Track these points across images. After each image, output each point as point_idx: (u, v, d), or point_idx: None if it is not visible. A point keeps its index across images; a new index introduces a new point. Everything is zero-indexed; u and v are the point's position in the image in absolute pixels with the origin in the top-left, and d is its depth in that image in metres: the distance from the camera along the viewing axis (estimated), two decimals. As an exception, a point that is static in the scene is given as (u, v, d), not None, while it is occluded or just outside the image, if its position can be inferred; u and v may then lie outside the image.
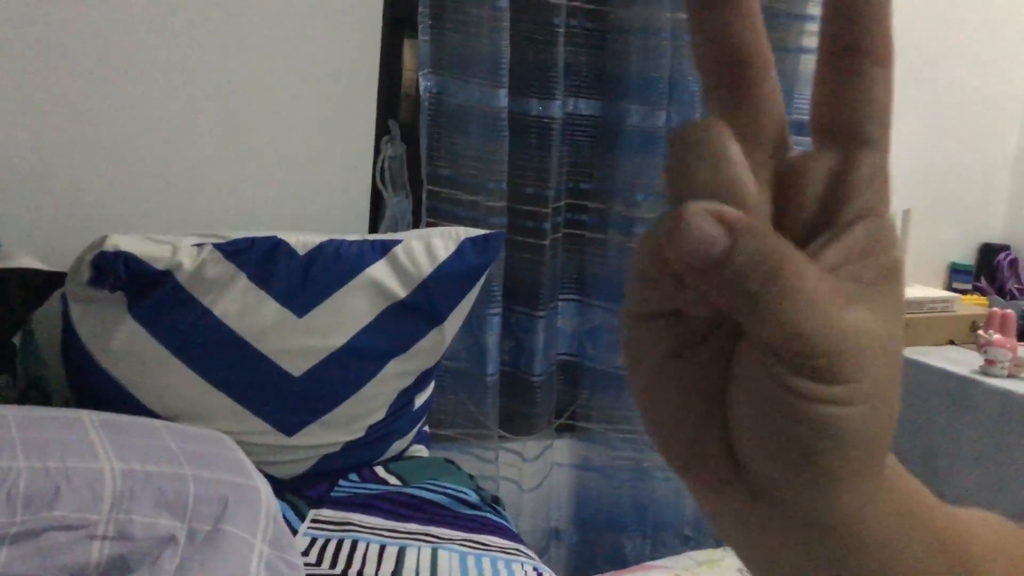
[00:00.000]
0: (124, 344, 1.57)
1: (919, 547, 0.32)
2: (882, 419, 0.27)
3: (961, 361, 2.23)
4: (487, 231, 1.83)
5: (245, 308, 1.61)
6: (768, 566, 0.32)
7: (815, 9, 2.26)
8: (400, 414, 1.80)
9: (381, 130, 2.02)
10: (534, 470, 2.23)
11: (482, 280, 1.82)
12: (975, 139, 2.65)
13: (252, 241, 1.64)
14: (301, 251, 1.67)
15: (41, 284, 1.60)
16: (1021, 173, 2.70)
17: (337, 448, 1.73)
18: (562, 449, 2.30)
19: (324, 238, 1.71)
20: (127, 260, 1.54)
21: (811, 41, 2.27)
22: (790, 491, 0.28)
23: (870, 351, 0.26)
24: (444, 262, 1.76)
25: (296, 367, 1.65)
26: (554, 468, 2.29)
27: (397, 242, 1.75)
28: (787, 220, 0.27)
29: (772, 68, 0.28)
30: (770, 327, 0.25)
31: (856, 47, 0.27)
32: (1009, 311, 2.20)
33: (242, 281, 1.61)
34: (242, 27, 1.84)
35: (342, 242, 1.71)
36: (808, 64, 2.27)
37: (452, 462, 1.89)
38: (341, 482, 1.71)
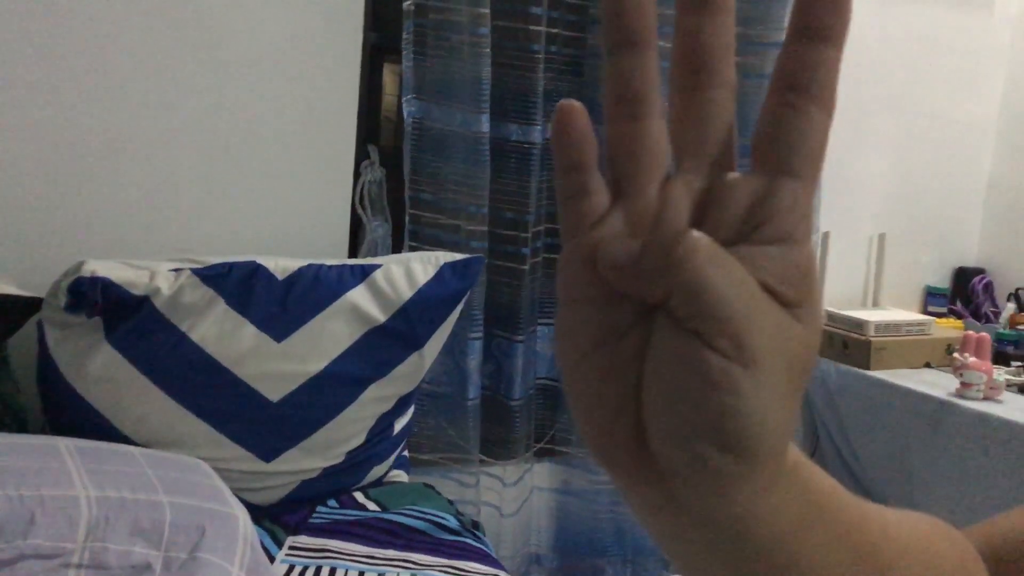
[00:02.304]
0: (101, 370, 1.56)
1: (821, 537, 0.34)
2: (782, 413, 0.29)
3: (937, 384, 2.25)
4: (467, 255, 1.83)
5: (223, 333, 1.60)
6: (679, 556, 0.34)
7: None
8: (379, 439, 1.79)
9: (361, 154, 2.03)
10: (514, 495, 2.23)
11: (462, 304, 1.82)
12: (949, 165, 2.68)
13: (230, 266, 1.64)
14: (280, 276, 1.67)
15: (17, 310, 1.59)
16: (994, 198, 2.73)
17: (315, 474, 1.72)
18: (542, 473, 2.29)
19: (303, 263, 1.71)
20: (104, 286, 1.53)
21: (787, 68, 2.30)
22: (692, 478, 0.30)
23: (777, 344, 0.29)
24: (424, 286, 1.76)
25: (274, 392, 1.64)
26: (534, 492, 2.28)
27: (376, 267, 1.75)
28: (706, 231, 0.29)
29: (728, 86, 0.30)
30: (680, 294, 0.28)
31: (803, 89, 0.29)
32: (984, 334, 2.23)
33: (220, 306, 1.61)
34: (221, 51, 1.85)
35: (321, 267, 1.71)
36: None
37: (432, 487, 1.88)
38: (319, 508, 1.70)
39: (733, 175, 0.30)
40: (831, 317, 2.46)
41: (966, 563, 0.43)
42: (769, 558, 0.33)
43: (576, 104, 0.31)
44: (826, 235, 2.47)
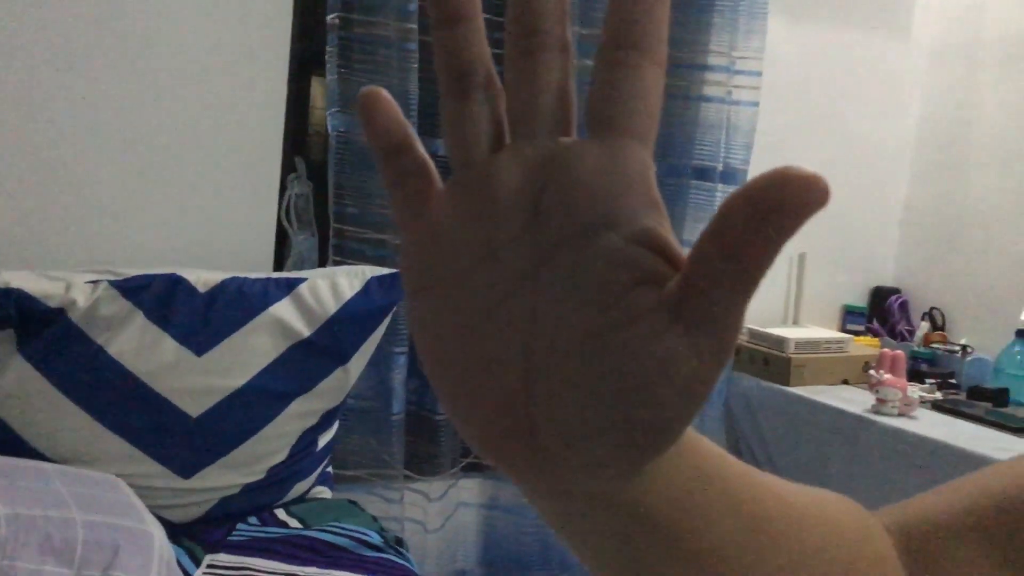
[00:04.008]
0: (13, 384, 1.52)
1: (714, 507, 0.34)
2: (689, 394, 0.28)
3: (854, 400, 2.31)
4: (394, 270, 1.83)
5: (141, 347, 1.57)
6: (571, 537, 0.34)
7: (716, 60, 2.34)
8: (303, 455, 1.77)
9: (288, 168, 2.01)
10: (439, 510, 2.22)
11: (388, 319, 1.82)
12: (867, 187, 2.76)
13: (150, 279, 1.61)
14: (202, 289, 1.64)
15: (-76, 321, 1.54)
16: (910, 220, 2.82)
17: (236, 490, 1.69)
18: (469, 488, 2.29)
19: (227, 276, 1.69)
20: (18, 297, 1.49)
21: (711, 90, 2.35)
22: (591, 470, 0.29)
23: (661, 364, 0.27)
24: (350, 301, 1.75)
25: (194, 407, 1.62)
26: (460, 508, 2.28)
27: (302, 280, 1.74)
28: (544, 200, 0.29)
29: (562, 50, 0.29)
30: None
31: (634, 45, 0.28)
32: (899, 352, 2.29)
33: (139, 319, 1.58)
34: (145, 60, 1.82)
35: (245, 280, 1.69)
36: (709, 112, 2.35)
37: (355, 503, 1.86)
38: (239, 526, 1.67)
39: (569, 140, 0.29)
40: (752, 334, 2.51)
41: (871, 535, 0.43)
42: (662, 532, 0.33)
43: (379, 89, 0.31)
44: (749, 254, 2.52)
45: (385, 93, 0.31)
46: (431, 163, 0.32)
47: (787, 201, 0.25)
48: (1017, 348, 2.40)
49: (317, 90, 2.17)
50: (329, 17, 1.91)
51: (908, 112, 2.79)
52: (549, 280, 0.28)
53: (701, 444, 0.34)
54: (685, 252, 0.28)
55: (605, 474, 0.29)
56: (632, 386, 0.28)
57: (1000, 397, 2.31)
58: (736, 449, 2.52)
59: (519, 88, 0.29)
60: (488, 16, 0.32)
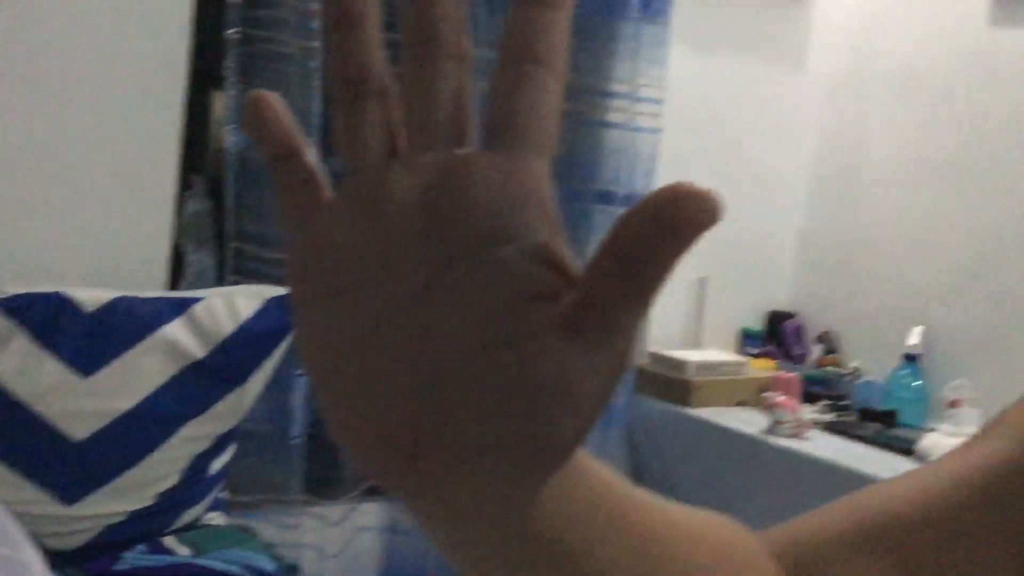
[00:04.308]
0: None
1: (603, 529, 0.34)
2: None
3: (751, 422, 2.36)
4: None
5: (23, 368, 1.51)
6: (459, 560, 0.33)
7: (619, 87, 2.38)
8: (194, 480, 1.72)
9: (186, 185, 1.96)
10: (338, 535, 2.18)
11: (288, 340, 1.79)
12: (765, 213, 2.84)
13: (34, 297, 1.55)
14: (89, 308, 1.59)
15: None
16: (805, 245, 2.91)
17: (123, 517, 1.63)
18: (369, 513, 2.26)
19: (116, 295, 1.63)
20: None
21: (615, 116, 2.39)
22: (481, 492, 0.29)
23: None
24: (247, 321, 1.72)
25: (79, 431, 1.56)
26: (360, 532, 2.24)
27: (197, 300, 1.70)
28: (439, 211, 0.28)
29: (459, 58, 0.29)
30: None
31: (534, 56, 0.28)
32: (793, 375, 2.36)
33: (21, 339, 1.52)
34: (35, 73, 1.76)
35: (135, 299, 1.64)
36: (612, 138, 2.38)
37: (249, 530, 1.82)
38: (126, 554, 1.61)
39: (465, 150, 0.29)
40: (654, 357, 2.54)
41: (756, 558, 0.43)
42: (552, 553, 0.32)
43: (267, 93, 0.30)
44: (651, 277, 2.56)
45: (274, 97, 0.30)
46: (321, 171, 0.30)
47: (681, 217, 0.25)
48: (905, 371, 2.49)
49: (220, 105, 2.13)
50: (229, 32, 1.88)
51: (804, 141, 2.88)
52: (443, 293, 0.28)
53: (592, 465, 0.34)
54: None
55: (496, 494, 0.29)
56: (526, 403, 0.27)
57: (889, 419, 2.39)
58: (638, 471, 2.55)
59: (415, 96, 0.29)
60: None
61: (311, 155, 0.30)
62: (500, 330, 0.27)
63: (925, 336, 2.48)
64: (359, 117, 0.29)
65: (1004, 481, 0.42)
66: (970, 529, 0.43)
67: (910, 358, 2.48)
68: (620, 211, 2.29)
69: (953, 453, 0.47)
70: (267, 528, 1.99)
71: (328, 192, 0.30)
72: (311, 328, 0.30)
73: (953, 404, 2.36)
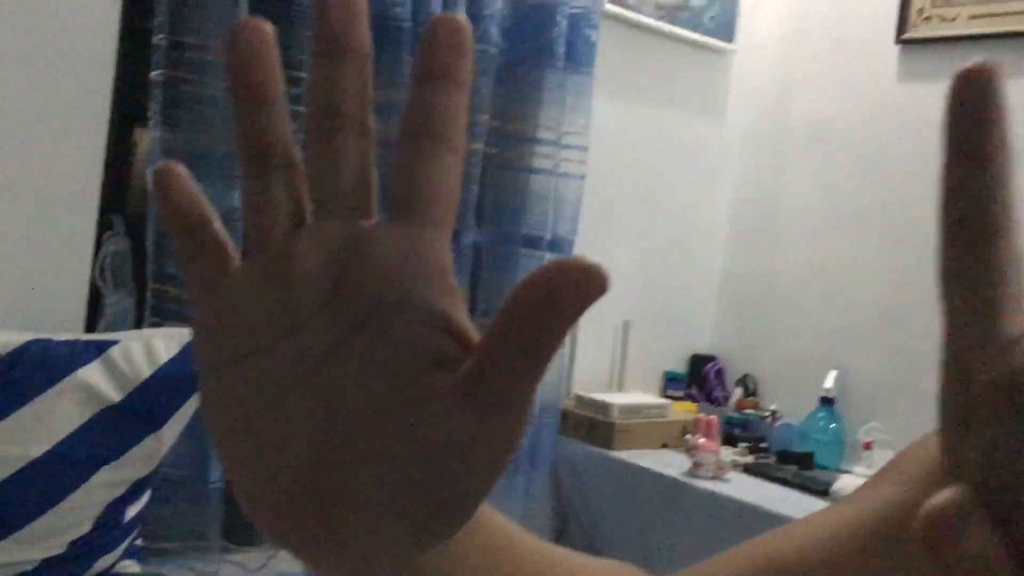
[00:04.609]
0: None
1: None
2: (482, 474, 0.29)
3: (673, 464, 2.39)
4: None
5: (-71, 413, 1.47)
6: None
7: (545, 134, 2.42)
8: (108, 527, 1.68)
9: (105, 224, 1.93)
10: (258, 582, 2.14)
11: (207, 384, 1.76)
12: (687, 259, 2.90)
13: (-57, 339, 1.51)
14: (1, 352, 1.55)
15: None
16: (725, 290, 2.98)
17: (33, 566, 1.58)
18: (290, 558, 2.22)
19: (29, 337, 1.60)
20: None
21: (540, 162, 2.43)
22: (386, 549, 0.29)
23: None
24: (166, 364, 1.69)
25: (-12, 478, 1.51)
26: (280, 579, 2.20)
27: (114, 343, 1.67)
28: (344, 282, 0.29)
29: (364, 134, 0.30)
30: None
31: (434, 133, 0.29)
32: (713, 417, 2.40)
33: (-73, 383, 1.47)
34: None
35: (49, 342, 1.60)
36: (538, 183, 2.42)
37: (165, 577, 1.78)
38: (34, 604, 1.56)
39: (369, 223, 0.30)
40: (579, 400, 2.57)
41: None
42: None
43: (174, 164, 0.31)
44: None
45: (180, 168, 0.31)
46: (228, 240, 0.31)
47: (570, 291, 0.26)
48: (821, 414, 2.56)
49: (144, 141, 2.11)
50: (153, 74, 1.87)
51: (723, 189, 2.96)
52: (346, 360, 0.29)
53: (494, 520, 0.36)
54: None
55: (396, 553, 0.30)
56: (425, 466, 0.28)
57: (806, 460, 2.44)
58: (562, 512, 2.56)
59: (320, 168, 0.30)
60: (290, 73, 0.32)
61: (218, 225, 0.31)
62: (400, 396, 0.28)
63: (839, 380, 2.55)
64: (266, 189, 0.30)
65: (898, 525, 0.44)
66: (866, 573, 0.44)
67: (826, 401, 2.55)
68: (545, 255, 2.32)
69: (851, 497, 0.49)
70: (184, 575, 1.94)
71: (235, 260, 0.31)
72: (217, 394, 0.30)
73: (867, 446, 2.43)
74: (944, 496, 0.23)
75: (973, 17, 2.49)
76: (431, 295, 0.28)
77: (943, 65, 2.53)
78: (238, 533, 2.09)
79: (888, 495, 0.46)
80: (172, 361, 1.70)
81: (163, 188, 0.30)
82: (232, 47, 0.29)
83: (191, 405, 1.74)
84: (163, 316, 1.94)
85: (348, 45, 0.29)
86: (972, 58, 0.24)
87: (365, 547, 0.29)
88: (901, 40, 2.60)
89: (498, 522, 0.36)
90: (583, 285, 0.26)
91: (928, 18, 2.57)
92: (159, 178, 0.30)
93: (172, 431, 1.71)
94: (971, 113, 0.24)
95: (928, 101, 2.52)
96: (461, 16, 0.29)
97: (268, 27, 0.30)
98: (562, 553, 0.40)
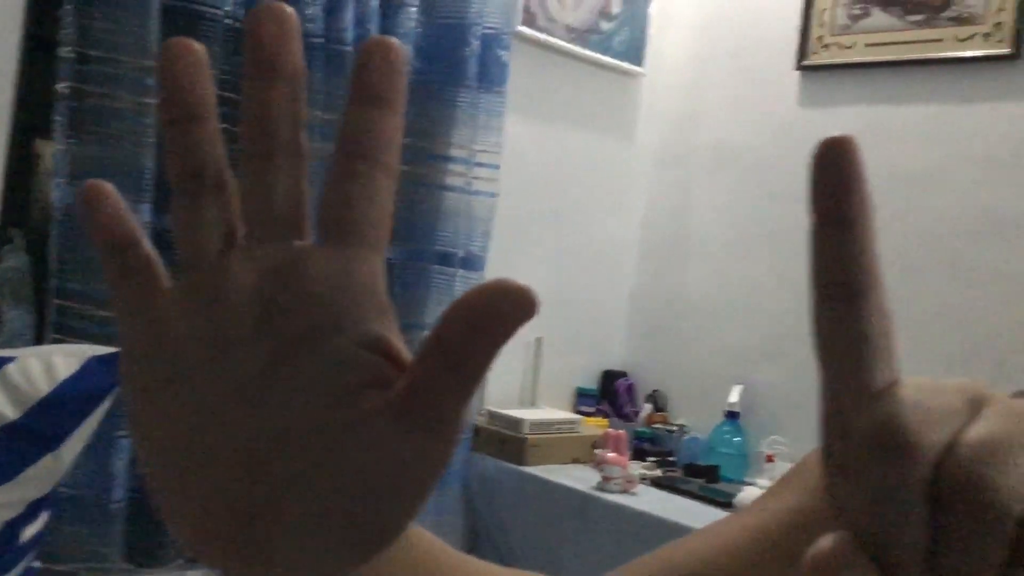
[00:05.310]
0: None
1: None
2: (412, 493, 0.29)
3: (582, 478, 2.42)
4: (118, 349, 1.75)
5: None
6: None
7: (457, 152, 2.45)
8: (4, 549, 1.63)
9: (4, 239, 1.89)
10: (162, 604, 2.10)
11: (109, 401, 1.73)
12: (598, 275, 2.95)
13: None
14: None
15: None
16: (635, 308, 3.04)
17: (-78, 591, 1.53)
18: (196, 580, 2.19)
19: (-79, 354, 1.55)
20: None
21: (453, 180, 2.45)
22: (311, 568, 0.30)
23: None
24: (65, 381, 1.65)
25: None
26: (186, 601, 2.16)
27: (11, 359, 1.62)
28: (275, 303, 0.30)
29: (297, 155, 0.30)
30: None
31: (367, 155, 0.29)
32: (622, 432, 2.44)
33: None
34: None
35: (-57, 358, 1.56)
36: (450, 201, 2.44)
37: (65, 600, 1.73)
38: (-78, 630, 1.51)
39: (301, 244, 0.30)
40: (491, 416, 2.59)
41: None
42: None
43: (103, 183, 0.30)
44: (488, 337, 2.61)
45: (109, 187, 0.30)
46: (158, 259, 0.31)
47: (500, 312, 0.27)
48: (726, 428, 2.62)
49: (47, 154, 2.07)
50: (58, 86, 1.83)
51: (634, 209, 3.03)
52: (278, 381, 0.29)
53: (422, 538, 0.37)
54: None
55: (324, 570, 0.30)
56: (356, 485, 0.28)
57: (712, 473, 2.50)
58: (474, 527, 2.57)
59: (253, 190, 0.30)
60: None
61: (147, 245, 0.31)
62: (333, 415, 0.28)
63: (744, 395, 2.63)
64: (196, 210, 0.30)
65: (796, 531, 0.46)
66: None
67: (731, 415, 2.62)
68: (457, 272, 2.33)
69: (753, 505, 0.52)
70: (84, 598, 1.90)
71: (164, 280, 0.31)
72: (145, 414, 0.30)
73: (769, 459, 2.50)
74: (826, 541, 0.25)
75: (869, 45, 2.61)
76: (364, 316, 0.29)
77: (841, 91, 2.64)
78: (141, 554, 2.05)
79: (788, 503, 0.48)
80: (73, 378, 1.66)
81: (91, 207, 0.30)
82: (164, 66, 0.29)
83: (92, 423, 1.70)
84: (65, 333, 1.90)
85: (281, 66, 0.29)
86: (830, 133, 0.27)
87: (293, 565, 0.30)
88: (801, 67, 2.70)
89: (423, 537, 0.37)
90: (513, 307, 0.27)
91: (827, 46, 2.67)
92: (88, 197, 0.30)
93: (72, 450, 1.67)
94: (833, 180, 0.26)
95: (827, 125, 2.61)
96: (394, 40, 0.30)
97: (200, 48, 0.30)
98: (482, 565, 0.42)
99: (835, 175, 0.27)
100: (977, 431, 0.24)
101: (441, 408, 0.28)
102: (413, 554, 0.36)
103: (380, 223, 0.29)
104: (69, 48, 1.85)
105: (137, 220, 0.31)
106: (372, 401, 0.28)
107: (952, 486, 0.24)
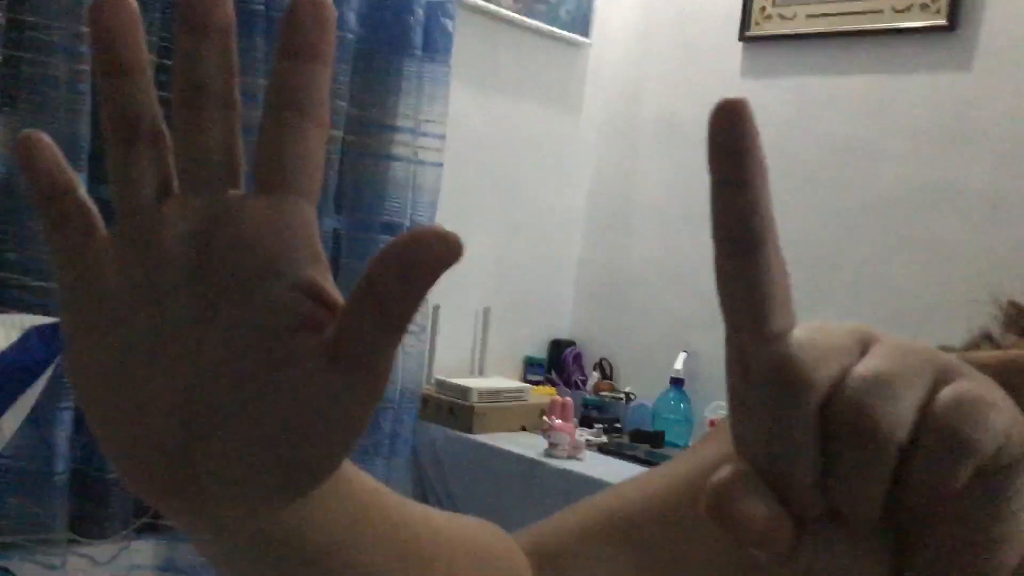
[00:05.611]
0: None
1: (369, 537, 0.38)
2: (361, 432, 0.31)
3: (530, 445, 2.45)
4: (57, 320, 1.74)
5: None
6: (233, 572, 0.36)
7: (403, 122, 2.45)
8: (-57, 521, 1.63)
9: (-62, 209, 1.86)
10: (108, 575, 2.10)
11: (49, 372, 1.72)
12: (546, 245, 2.98)
13: None
14: None
15: None
16: (583, 278, 3.07)
17: None
18: (143, 551, 2.18)
19: None
20: None
21: (399, 150, 2.45)
22: (251, 506, 0.32)
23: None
24: (4, 352, 1.64)
25: None
26: (132, 571, 2.16)
27: (-53, 330, 1.61)
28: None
29: (228, 106, 0.31)
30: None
31: (298, 106, 0.30)
32: (568, 399, 2.47)
33: None
34: None
35: None
36: (397, 171, 2.45)
37: (9, 571, 1.73)
38: None
39: (235, 193, 0.31)
40: (440, 385, 2.61)
41: (511, 556, 0.50)
42: (322, 562, 0.36)
43: (38, 133, 0.31)
44: (436, 308, 2.63)
45: (45, 137, 0.31)
46: (94, 207, 0.32)
47: (425, 257, 0.28)
48: (671, 394, 2.67)
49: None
50: (-9, 53, 1.80)
51: (580, 180, 3.05)
52: (213, 324, 0.30)
53: (358, 477, 0.38)
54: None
55: (262, 508, 0.32)
56: (289, 424, 0.30)
57: (657, 439, 2.54)
58: (423, 495, 2.59)
59: (186, 141, 0.31)
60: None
61: (83, 193, 0.31)
62: (267, 356, 0.30)
63: (687, 362, 2.67)
64: (132, 160, 0.31)
65: None
66: (690, 523, 0.50)
67: (676, 382, 2.66)
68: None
69: (681, 455, 0.55)
70: (29, 570, 1.89)
71: (100, 228, 0.31)
72: (83, 359, 0.31)
73: (712, 424, 2.55)
74: (725, 470, 0.27)
75: (810, 16, 2.64)
76: (297, 262, 0.30)
77: (783, 62, 2.67)
78: (85, 526, 2.05)
79: (714, 451, 0.51)
80: (12, 349, 1.65)
81: (28, 156, 0.31)
82: (96, 20, 0.30)
83: (32, 394, 1.69)
84: (3, 303, 1.88)
85: (212, 20, 0.30)
86: (725, 96, 0.28)
87: (228, 500, 0.31)
88: (744, 38, 2.73)
89: (362, 478, 0.38)
90: (437, 251, 0.28)
91: (769, 16, 2.70)
92: (24, 147, 0.31)
93: (12, 421, 1.66)
94: (728, 143, 0.28)
95: (770, 96, 2.66)
96: None
97: (132, 3, 0.30)
98: (423, 508, 0.44)
99: (730, 138, 0.28)
100: (864, 366, 0.26)
101: (370, 350, 0.29)
102: (352, 491, 0.37)
103: (312, 172, 0.30)
104: (1, 15, 1.82)
105: (72, 170, 0.32)
106: (305, 343, 0.30)
107: (840, 416, 0.26)
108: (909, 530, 0.28)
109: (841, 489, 0.26)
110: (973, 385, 0.26)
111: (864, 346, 0.27)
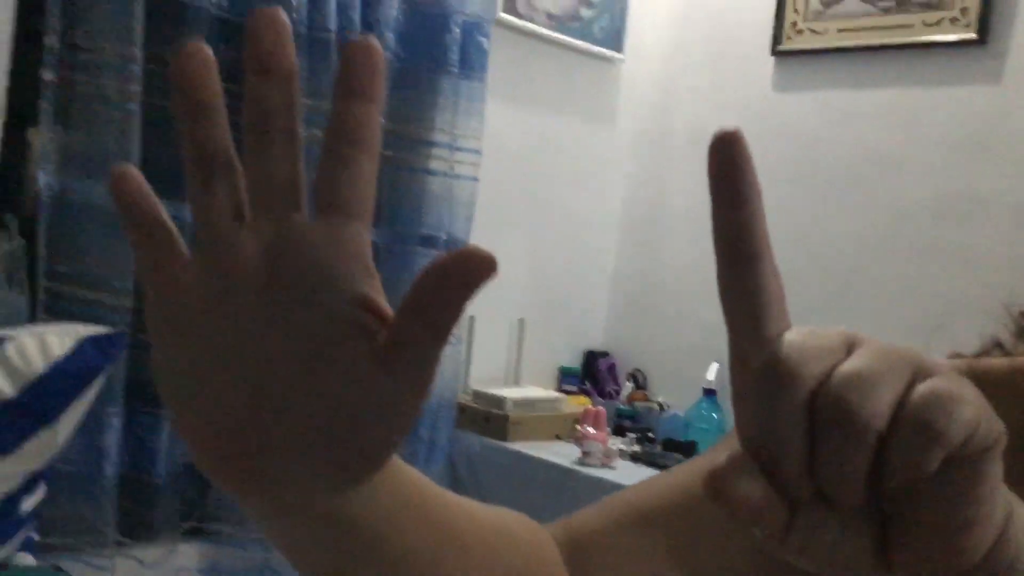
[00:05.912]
0: None
1: (412, 522, 0.44)
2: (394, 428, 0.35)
3: (564, 454, 2.49)
4: (109, 330, 1.81)
5: None
6: (292, 550, 0.42)
7: (440, 136, 2.51)
8: (3, 519, 1.69)
9: (-2, 224, 1.95)
10: (155, 577, 2.17)
11: (101, 380, 1.79)
12: (579, 257, 3.02)
13: None
14: None
15: None
16: (617, 288, 3.10)
17: (-77, 560, 1.59)
18: (189, 554, 2.25)
19: (-80, 333, 1.61)
20: None
21: (436, 164, 2.51)
22: (321, 491, 0.37)
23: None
24: (60, 360, 1.71)
25: None
26: (179, 574, 2.23)
27: (7, 338, 1.68)
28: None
29: (292, 141, 0.35)
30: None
31: (353, 140, 0.34)
32: (601, 408, 2.51)
33: None
34: None
35: (-59, 338, 1.62)
36: (434, 185, 2.50)
37: (61, 570, 1.80)
38: (-76, 597, 1.57)
39: (299, 217, 0.35)
40: (476, 394, 2.65)
41: (544, 546, 0.55)
42: (372, 544, 0.41)
43: (128, 167, 0.35)
44: (472, 319, 2.68)
45: (133, 169, 0.35)
46: (175, 230, 0.36)
47: (464, 273, 0.32)
48: (704, 404, 2.69)
49: (37, 142, 2.12)
50: (45, 74, 1.88)
51: (614, 192, 3.09)
52: (280, 331, 0.34)
53: (406, 471, 0.44)
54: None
55: (315, 492, 0.37)
56: (345, 418, 0.34)
57: (689, 449, 2.57)
58: (459, 504, 2.63)
59: (256, 171, 0.35)
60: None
61: (167, 218, 0.35)
62: (325, 360, 0.34)
63: (721, 372, 2.69)
64: (210, 190, 0.35)
65: None
66: (715, 518, 0.53)
67: (708, 392, 2.69)
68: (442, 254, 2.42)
69: (703, 454, 0.60)
70: (78, 569, 1.96)
71: (183, 250, 0.36)
72: (167, 359, 0.36)
73: (744, 433, 2.56)
74: (722, 457, 0.31)
75: (841, 31, 2.67)
76: (353, 278, 0.34)
77: (814, 76, 2.70)
78: (133, 528, 2.12)
79: (733, 448, 0.55)
80: (66, 357, 1.72)
81: (119, 188, 0.35)
82: (179, 67, 0.34)
83: (85, 401, 1.76)
84: (56, 314, 1.96)
85: (276, 67, 0.34)
86: (722, 126, 0.32)
87: (287, 486, 0.36)
88: (776, 52, 2.77)
89: (408, 471, 0.44)
90: (475, 268, 0.32)
91: (801, 31, 2.74)
92: (117, 182, 0.35)
93: (67, 426, 1.73)
94: (726, 169, 0.32)
95: (801, 109, 2.69)
96: (374, 40, 0.34)
97: (208, 49, 0.35)
98: (463, 500, 0.49)
99: (727, 164, 0.32)
100: (848, 365, 0.30)
101: (417, 355, 0.34)
102: (399, 482, 0.42)
103: (365, 199, 0.34)
104: (55, 37, 1.90)
105: (158, 201, 0.36)
106: (359, 348, 0.34)
107: (826, 408, 0.30)
108: (893, 514, 0.32)
109: (826, 473, 0.30)
110: (945, 382, 0.30)
111: (850, 348, 0.31)
